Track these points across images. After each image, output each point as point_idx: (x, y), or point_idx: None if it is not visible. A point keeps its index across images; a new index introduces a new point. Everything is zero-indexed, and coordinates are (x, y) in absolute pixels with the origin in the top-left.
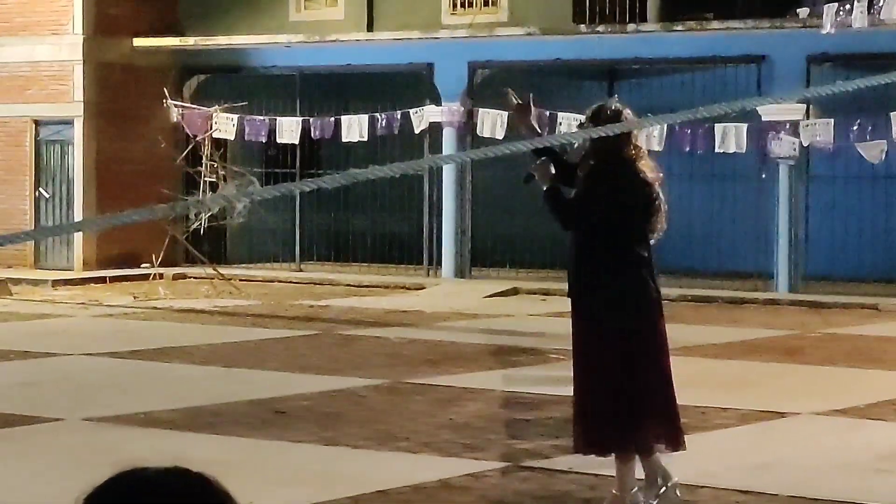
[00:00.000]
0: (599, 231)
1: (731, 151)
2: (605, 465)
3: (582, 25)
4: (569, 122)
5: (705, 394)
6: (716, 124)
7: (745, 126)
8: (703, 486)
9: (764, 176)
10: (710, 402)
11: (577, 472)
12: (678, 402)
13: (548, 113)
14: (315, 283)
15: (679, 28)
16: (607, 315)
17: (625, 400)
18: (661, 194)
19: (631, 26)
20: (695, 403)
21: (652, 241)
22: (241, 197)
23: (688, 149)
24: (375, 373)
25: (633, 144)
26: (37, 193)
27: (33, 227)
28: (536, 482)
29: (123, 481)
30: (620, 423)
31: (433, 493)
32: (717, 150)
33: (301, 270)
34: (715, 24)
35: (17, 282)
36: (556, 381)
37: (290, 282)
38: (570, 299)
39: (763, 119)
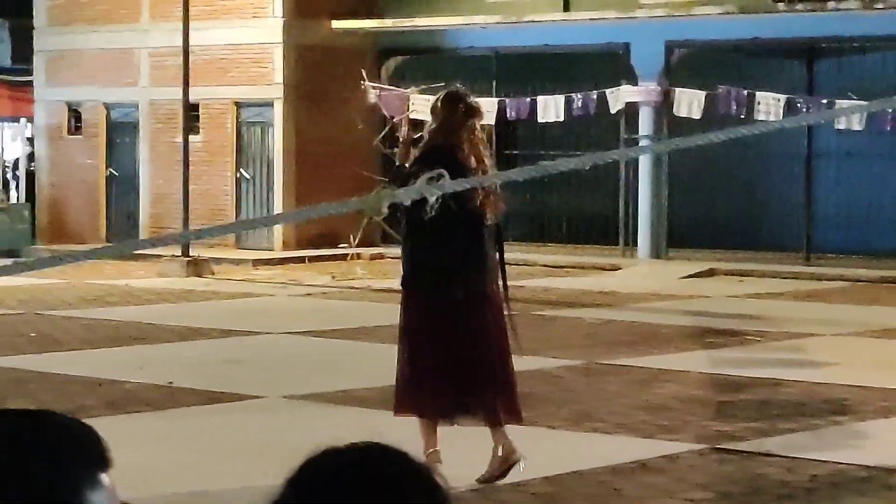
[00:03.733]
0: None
1: None
2: (802, 448)
3: (780, 3)
4: (767, 102)
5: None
6: None
7: None
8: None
9: None
10: None
11: (774, 455)
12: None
13: (745, 92)
14: (510, 264)
15: (880, 6)
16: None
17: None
18: (483, 180)
19: (831, 3)
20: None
21: (488, 223)
22: (432, 190)
23: (889, 128)
24: (571, 353)
25: (462, 134)
26: (238, 175)
27: (235, 208)
28: (733, 464)
29: (329, 461)
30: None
31: (629, 475)
32: None
33: None
34: None
35: (219, 262)
36: (753, 362)
37: None
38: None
39: None
